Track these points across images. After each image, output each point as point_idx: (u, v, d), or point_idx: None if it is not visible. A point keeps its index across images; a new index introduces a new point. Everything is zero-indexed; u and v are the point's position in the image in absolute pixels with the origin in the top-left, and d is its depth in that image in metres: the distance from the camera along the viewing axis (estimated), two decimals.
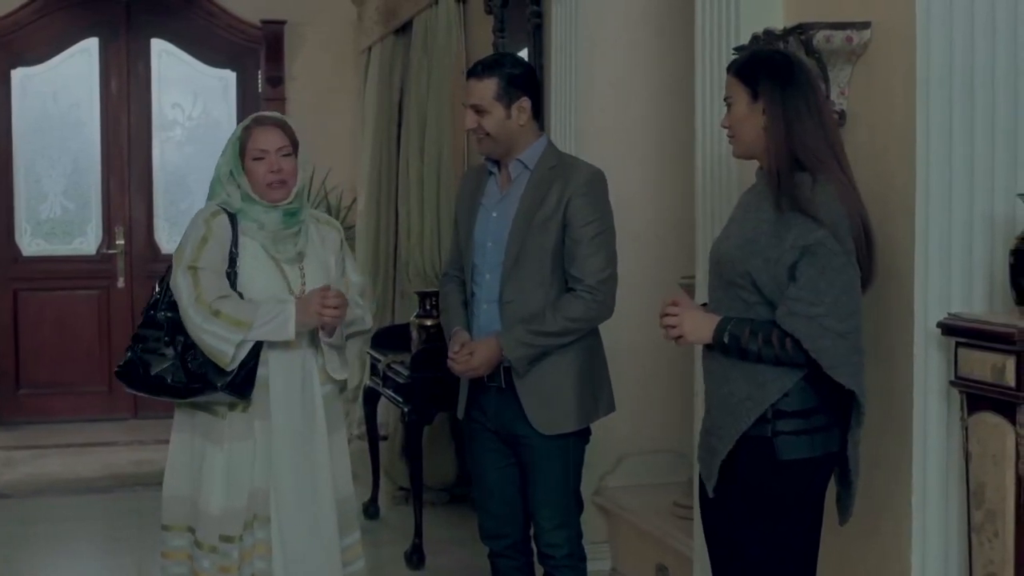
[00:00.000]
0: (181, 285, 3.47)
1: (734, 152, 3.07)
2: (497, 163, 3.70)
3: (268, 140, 3.54)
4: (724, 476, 2.99)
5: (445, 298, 3.86)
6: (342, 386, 3.77)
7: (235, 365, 3.43)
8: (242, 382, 3.45)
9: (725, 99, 3.04)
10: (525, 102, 3.60)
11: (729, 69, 3.05)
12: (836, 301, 2.81)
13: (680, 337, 3.02)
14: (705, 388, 3.10)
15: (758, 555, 2.96)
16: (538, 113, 3.70)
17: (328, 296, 3.46)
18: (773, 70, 2.96)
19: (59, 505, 6.42)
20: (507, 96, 3.58)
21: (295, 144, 3.59)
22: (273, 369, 3.53)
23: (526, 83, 3.64)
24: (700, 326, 2.99)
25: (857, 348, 2.86)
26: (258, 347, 3.47)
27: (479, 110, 3.59)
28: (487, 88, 3.58)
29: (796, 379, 2.89)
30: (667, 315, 3.04)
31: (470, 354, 3.60)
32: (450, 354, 3.66)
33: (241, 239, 3.52)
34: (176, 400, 3.57)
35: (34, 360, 8.41)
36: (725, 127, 3.06)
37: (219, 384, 3.44)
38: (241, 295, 3.49)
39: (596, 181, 3.61)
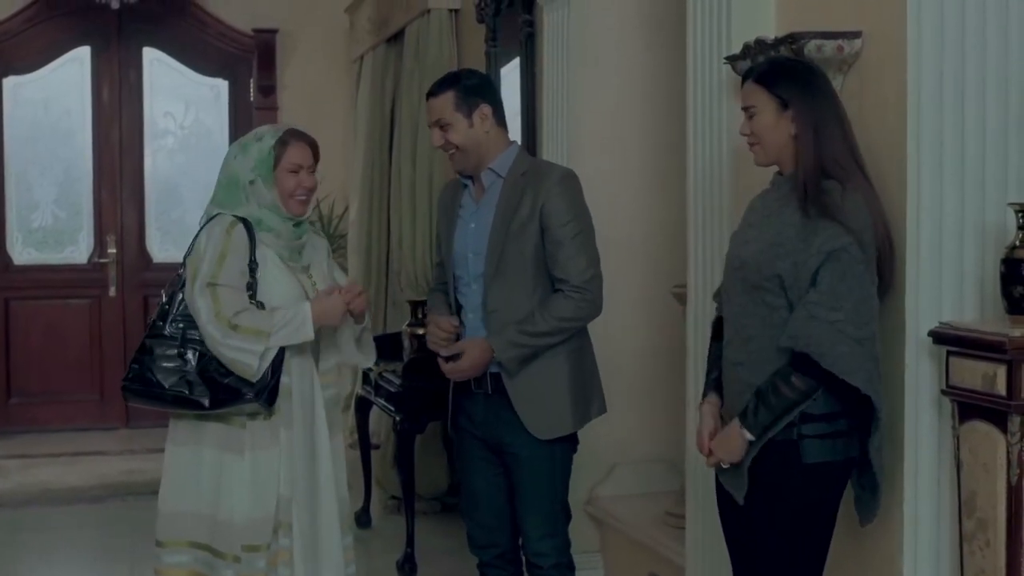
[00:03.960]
0: (200, 303, 3.44)
1: (757, 160, 3.08)
2: (471, 176, 3.71)
3: (303, 156, 3.58)
4: (748, 479, 3.01)
5: (431, 305, 3.87)
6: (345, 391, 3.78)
7: (259, 375, 3.42)
8: (272, 392, 3.45)
9: (745, 108, 3.04)
10: (486, 108, 3.63)
11: (747, 77, 3.06)
12: (855, 308, 2.84)
13: (726, 460, 3.05)
14: (725, 377, 3.10)
15: (775, 556, 2.98)
16: (502, 120, 3.71)
17: (349, 290, 3.57)
18: (801, 78, 2.99)
19: (50, 514, 6.40)
20: (466, 105, 3.62)
21: (318, 160, 3.66)
22: (295, 377, 3.54)
23: (483, 91, 3.68)
24: (730, 442, 3.00)
25: (873, 355, 2.88)
26: (281, 356, 3.47)
27: (442, 125, 3.64)
28: (445, 102, 3.63)
29: (824, 385, 2.90)
30: (711, 458, 3.08)
31: (458, 354, 3.60)
32: (433, 337, 3.68)
33: (259, 248, 3.52)
34: (198, 413, 3.51)
35: (25, 369, 8.38)
36: (746, 135, 3.06)
37: (250, 395, 3.43)
38: (262, 304, 3.48)
39: (568, 181, 3.62)
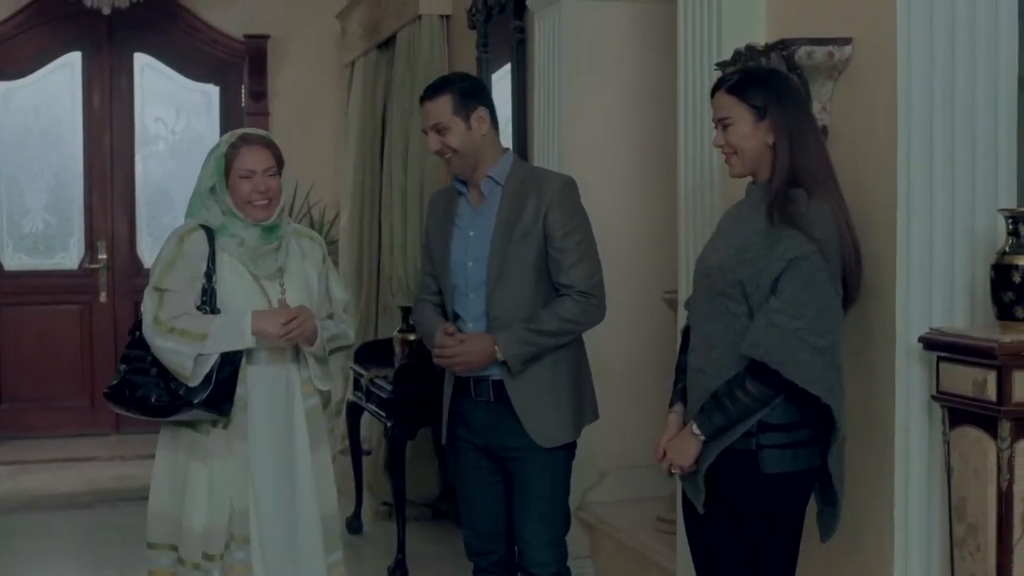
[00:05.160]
0: (146, 306, 3.49)
1: (733, 171, 3.06)
2: (465, 184, 3.69)
3: (255, 160, 3.52)
4: (708, 489, 2.99)
5: (422, 320, 3.80)
6: (325, 400, 3.75)
7: (197, 381, 3.42)
8: (219, 398, 3.44)
9: (720, 120, 3.02)
10: (483, 111, 3.61)
11: (719, 88, 3.04)
12: (817, 317, 2.83)
13: (676, 464, 3.03)
14: (688, 383, 3.09)
15: (739, 568, 2.96)
16: (496, 125, 3.69)
17: (287, 312, 3.48)
18: (775, 87, 2.99)
19: (40, 521, 6.38)
20: (464, 108, 3.59)
21: (280, 163, 3.59)
22: (253, 387, 3.52)
23: (479, 94, 3.66)
24: (684, 444, 3.00)
25: (834, 365, 2.87)
26: (237, 364, 3.47)
27: (440, 129, 3.60)
28: (443, 106, 3.59)
29: (782, 394, 2.89)
30: (663, 461, 3.07)
31: (460, 342, 3.56)
32: (437, 342, 3.61)
33: (219, 256, 3.51)
34: (161, 419, 3.55)
35: (15, 375, 8.36)
36: (720, 146, 3.05)
37: (195, 401, 3.43)
38: (220, 311, 3.48)
39: (569, 189, 3.61)
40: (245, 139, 3.56)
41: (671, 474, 3.08)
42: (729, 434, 2.91)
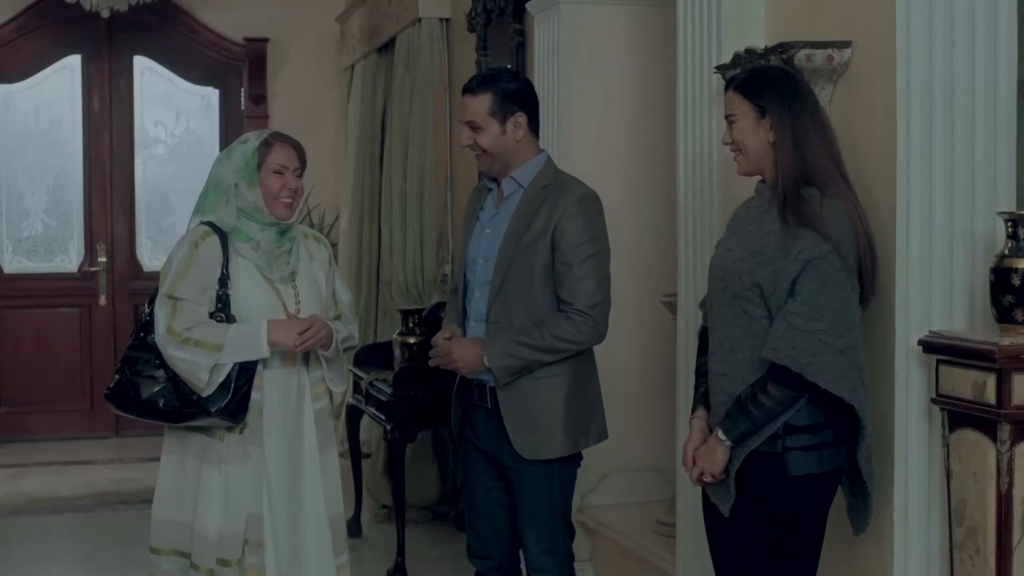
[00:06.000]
0: (159, 314, 3.45)
1: (740, 169, 3.08)
2: (496, 180, 3.64)
3: (288, 157, 3.53)
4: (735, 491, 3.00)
5: (447, 311, 3.81)
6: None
7: (212, 390, 3.40)
8: (236, 407, 3.42)
9: (726, 116, 3.04)
10: (521, 117, 3.54)
11: (729, 86, 3.06)
12: (836, 317, 2.83)
13: (708, 472, 3.03)
14: (711, 388, 3.09)
15: (763, 570, 2.97)
16: (536, 129, 3.62)
17: (301, 322, 3.47)
18: (779, 86, 2.99)
19: (39, 524, 6.37)
20: (502, 112, 3.52)
21: (304, 165, 3.59)
22: (268, 391, 3.50)
23: (522, 98, 3.57)
24: (713, 452, 2.99)
25: (855, 364, 2.87)
26: (252, 371, 3.45)
27: (474, 126, 3.53)
28: (481, 104, 3.52)
29: (805, 395, 2.89)
30: (694, 470, 3.06)
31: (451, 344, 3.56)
32: (432, 341, 3.62)
33: (233, 260, 3.48)
34: (169, 424, 3.53)
35: (15, 378, 8.36)
36: (727, 143, 3.07)
37: (213, 409, 3.41)
38: (235, 318, 3.46)
39: (587, 202, 3.53)
40: (278, 137, 3.58)
41: (701, 483, 3.08)
42: (755, 438, 2.92)
